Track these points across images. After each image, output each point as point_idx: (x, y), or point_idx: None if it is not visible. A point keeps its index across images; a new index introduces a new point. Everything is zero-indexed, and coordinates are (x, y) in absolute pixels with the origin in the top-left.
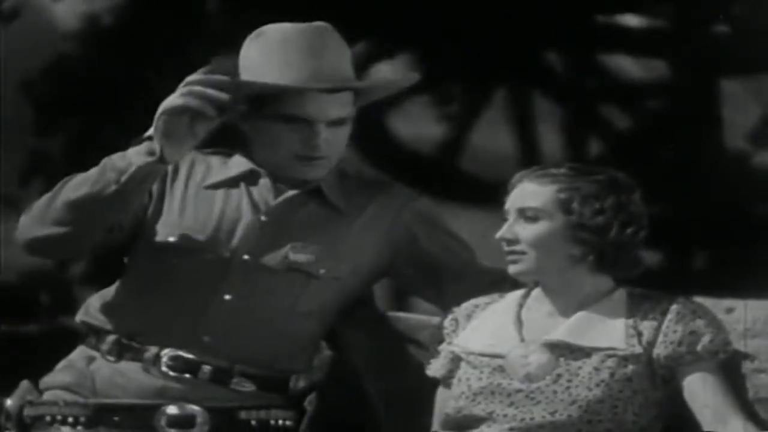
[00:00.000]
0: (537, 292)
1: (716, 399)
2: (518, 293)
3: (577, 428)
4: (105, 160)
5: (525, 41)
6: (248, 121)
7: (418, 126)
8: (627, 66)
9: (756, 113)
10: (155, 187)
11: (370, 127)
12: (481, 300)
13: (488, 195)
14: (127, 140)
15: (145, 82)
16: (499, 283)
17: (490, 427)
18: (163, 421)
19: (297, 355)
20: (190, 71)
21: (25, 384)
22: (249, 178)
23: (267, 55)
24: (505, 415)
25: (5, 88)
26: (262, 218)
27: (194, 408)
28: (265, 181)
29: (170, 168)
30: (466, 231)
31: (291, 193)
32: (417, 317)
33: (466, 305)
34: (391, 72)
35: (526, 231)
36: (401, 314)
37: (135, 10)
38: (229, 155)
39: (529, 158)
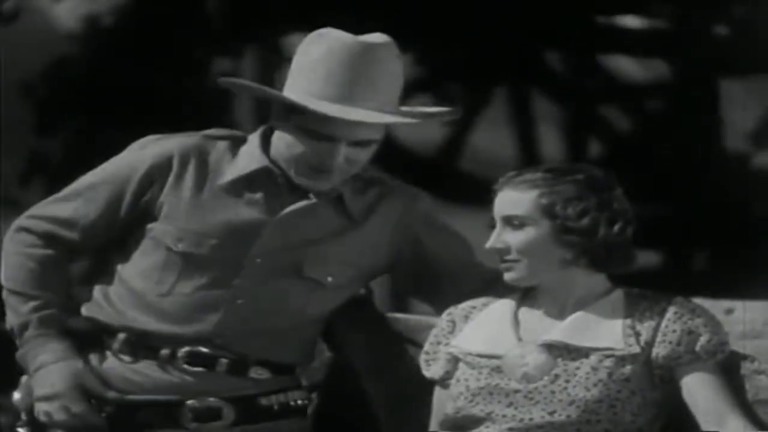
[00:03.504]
0: (534, 292)
1: (715, 399)
2: (516, 294)
3: (575, 428)
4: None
5: (525, 41)
6: (275, 121)
7: (418, 126)
8: (627, 66)
9: (756, 113)
10: (157, 184)
11: None
12: (478, 301)
13: (488, 195)
14: (127, 140)
15: (145, 82)
16: (498, 280)
17: (489, 427)
18: (189, 416)
19: (304, 352)
20: (190, 71)
21: (28, 379)
22: (264, 178)
23: (314, 62)
24: (503, 416)
25: (5, 88)
26: (277, 222)
27: (218, 400)
28: (281, 182)
29: (176, 161)
30: (466, 231)
31: (309, 200)
32: (416, 318)
33: (463, 306)
34: None
35: (515, 239)
36: (401, 315)
37: (135, 11)
38: (241, 141)
39: (529, 158)
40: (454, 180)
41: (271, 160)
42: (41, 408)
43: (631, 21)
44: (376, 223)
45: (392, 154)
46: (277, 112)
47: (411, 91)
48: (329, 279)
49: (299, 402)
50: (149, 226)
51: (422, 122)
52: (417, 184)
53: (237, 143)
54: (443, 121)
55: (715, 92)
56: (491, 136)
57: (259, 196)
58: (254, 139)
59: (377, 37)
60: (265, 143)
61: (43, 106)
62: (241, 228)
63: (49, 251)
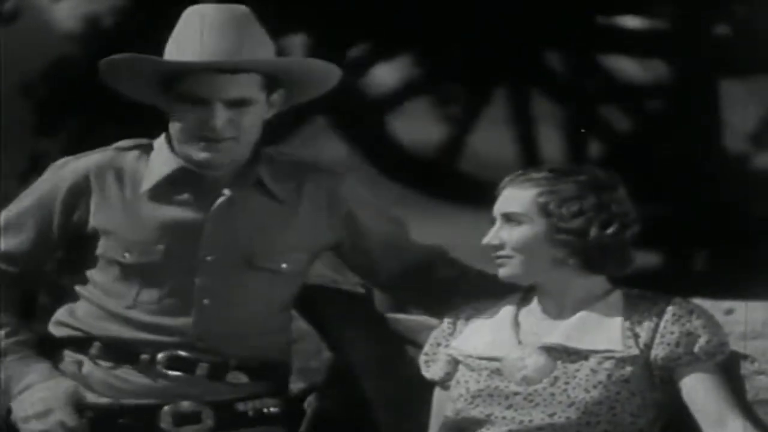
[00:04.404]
0: (534, 295)
1: (715, 400)
2: (516, 297)
3: (575, 430)
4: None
5: (525, 41)
6: (165, 104)
7: (419, 127)
8: (627, 66)
9: (756, 114)
10: (81, 202)
11: (370, 127)
12: (479, 304)
13: (488, 196)
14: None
15: None
16: (435, 256)
17: (489, 429)
18: (169, 420)
19: (280, 346)
20: None
21: None
22: (184, 178)
23: (175, 33)
24: (503, 418)
25: (5, 88)
26: (212, 219)
27: (197, 404)
28: (201, 179)
29: (93, 178)
30: (466, 231)
31: (230, 191)
32: (416, 318)
33: (464, 308)
34: (389, 72)
35: (511, 235)
36: (401, 315)
37: (135, 11)
38: (150, 148)
39: (529, 159)
40: (454, 180)
41: (184, 159)
42: (34, 427)
43: (631, 21)
44: (309, 203)
45: (392, 154)
46: (163, 98)
47: (411, 91)
48: (283, 266)
49: (272, 410)
50: (97, 244)
51: (420, 117)
52: (417, 184)
53: (146, 150)
54: (324, 82)
55: (715, 92)
56: (491, 136)
57: (186, 196)
58: (160, 142)
59: (235, 6)
60: (172, 145)
61: (43, 106)
62: (182, 229)
63: None
